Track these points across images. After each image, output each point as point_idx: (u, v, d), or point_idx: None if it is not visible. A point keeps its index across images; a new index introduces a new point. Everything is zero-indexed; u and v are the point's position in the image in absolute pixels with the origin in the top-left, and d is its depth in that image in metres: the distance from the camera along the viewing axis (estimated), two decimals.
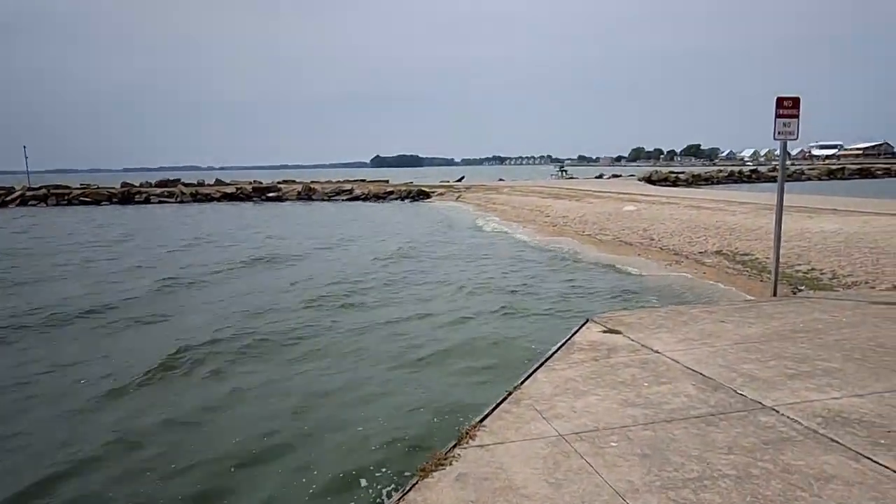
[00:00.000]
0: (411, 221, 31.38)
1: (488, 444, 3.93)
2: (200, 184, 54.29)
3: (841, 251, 12.06)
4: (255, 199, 47.57)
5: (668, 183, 62.31)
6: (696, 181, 65.51)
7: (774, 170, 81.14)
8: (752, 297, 8.62)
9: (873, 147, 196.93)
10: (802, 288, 10.16)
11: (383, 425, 5.98)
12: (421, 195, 44.98)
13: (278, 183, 54.35)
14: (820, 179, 69.53)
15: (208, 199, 47.15)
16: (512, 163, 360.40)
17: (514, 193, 37.73)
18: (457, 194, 42.20)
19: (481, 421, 4.31)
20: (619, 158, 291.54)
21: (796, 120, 7.31)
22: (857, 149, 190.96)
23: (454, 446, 3.97)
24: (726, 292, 10.67)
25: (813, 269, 11.21)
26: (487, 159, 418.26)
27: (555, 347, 6.03)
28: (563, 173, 69.96)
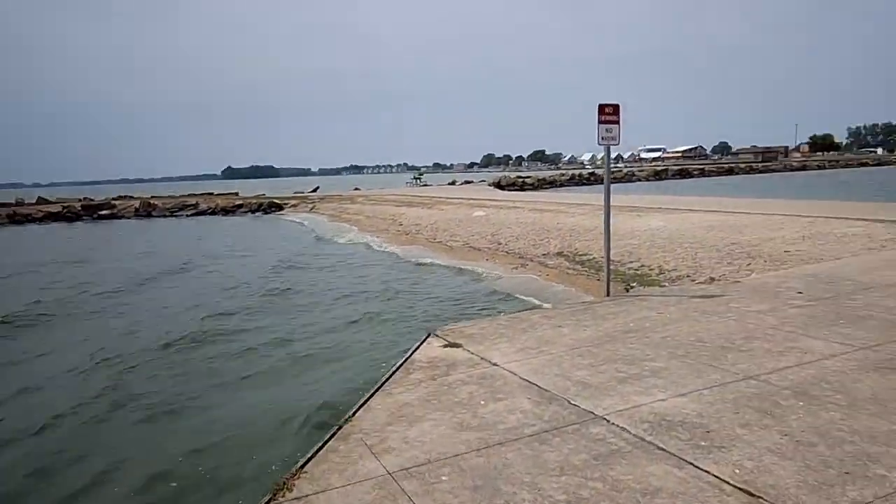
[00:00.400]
0: (258, 235, 29.84)
1: (307, 495, 3.46)
2: (19, 203, 47.89)
3: (666, 247, 12.96)
4: (85, 217, 42.95)
5: (516, 187, 65.08)
6: (541, 185, 69.11)
7: (610, 172, 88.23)
8: (588, 299, 8.89)
9: (690, 150, 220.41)
10: (634, 285, 10.72)
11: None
12: (273, 207, 43.15)
13: (113, 199, 49.58)
14: (648, 180, 76.29)
15: (28, 219, 41.78)
16: (370, 171, 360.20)
17: (369, 203, 37.31)
18: (311, 205, 40.95)
19: (303, 466, 3.83)
20: (471, 165, 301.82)
21: (617, 126, 7.60)
22: (678, 152, 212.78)
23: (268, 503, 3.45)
24: (567, 294, 10.99)
25: (643, 265, 11.91)
26: (345, 168, 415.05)
27: (393, 368, 5.69)
28: (418, 181, 70.72)
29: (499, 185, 63.09)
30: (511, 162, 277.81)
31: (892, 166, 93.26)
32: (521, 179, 72.43)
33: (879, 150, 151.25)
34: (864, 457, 3.36)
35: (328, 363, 8.46)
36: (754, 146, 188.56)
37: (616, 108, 7.53)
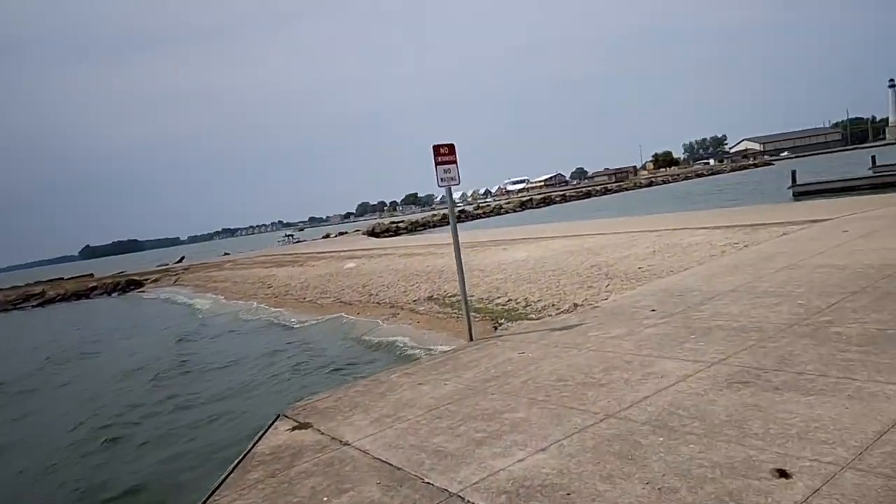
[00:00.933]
0: (118, 317, 27.15)
1: None
2: None
3: (531, 278, 12.99)
4: None
5: (390, 233, 64.97)
6: (415, 228, 69.58)
7: (479, 208, 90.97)
8: (453, 346, 8.52)
9: (551, 178, 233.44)
10: (503, 322, 10.53)
11: None
12: (132, 285, 39.80)
13: None
14: (515, 211, 79.32)
15: None
16: (243, 233, 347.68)
17: (238, 268, 35.39)
18: (174, 278, 38.20)
19: None
20: (348, 215, 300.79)
21: (455, 165, 7.38)
22: (540, 181, 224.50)
23: None
24: (436, 339, 10.58)
25: (510, 299, 11.80)
26: (217, 233, 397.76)
27: (231, 467, 4.89)
28: (291, 238, 68.85)
29: (373, 233, 62.73)
30: (386, 208, 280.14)
31: (723, 174, 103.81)
32: (394, 225, 72.55)
33: (711, 161, 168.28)
34: (725, 496, 3.09)
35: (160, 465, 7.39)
36: (607, 168, 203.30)
37: (451, 147, 7.31)
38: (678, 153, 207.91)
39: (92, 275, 49.76)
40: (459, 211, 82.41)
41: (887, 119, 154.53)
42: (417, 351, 10.23)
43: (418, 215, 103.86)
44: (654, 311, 7.24)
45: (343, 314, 15.20)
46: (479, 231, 32.46)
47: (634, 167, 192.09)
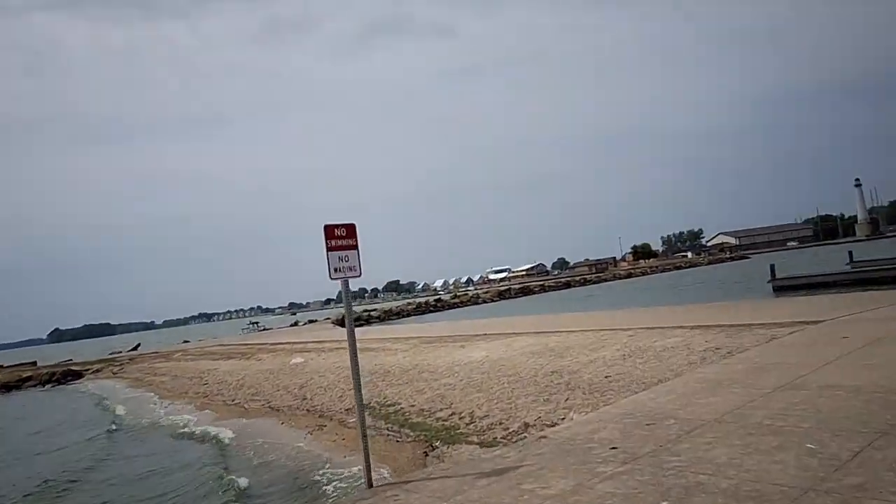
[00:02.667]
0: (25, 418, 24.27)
1: None
2: None
3: (483, 385, 11.09)
4: None
5: (361, 322, 62.71)
6: (388, 316, 67.32)
7: (457, 297, 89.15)
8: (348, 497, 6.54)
9: (533, 268, 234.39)
10: (437, 444, 8.54)
11: None
12: (70, 376, 36.74)
13: None
14: (493, 301, 77.61)
15: None
16: (220, 318, 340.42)
17: (186, 359, 32.81)
18: (118, 368, 35.39)
19: None
20: (328, 301, 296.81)
21: (356, 252, 5.70)
22: (522, 270, 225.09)
23: None
24: (352, 466, 8.53)
25: (453, 413, 9.85)
26: (194, 317, 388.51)
27: None
28: (255, 326, 66.28)
29: (341, 323, 60.36)
30: (367, 295, 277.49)
31: (700, 266, 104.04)
32: (367, 313, 70.09)
33: (689, 254, 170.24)
34: None
35: None
36: (587, 259, 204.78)
37: (351, 229, 5.67)
38: (656, 245, 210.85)
39: (35, 363, 46.43)
40: (435, 300, 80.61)
41: (856, 216, 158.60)
42: (326, 487, 8.17)
43: (395, 303, 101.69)
44: (615, 448, 5.38)
45: (266, 420, 13.06)
46: (446, 323, 30.55)
47: (614, 258, 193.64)
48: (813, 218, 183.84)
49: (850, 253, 37.41)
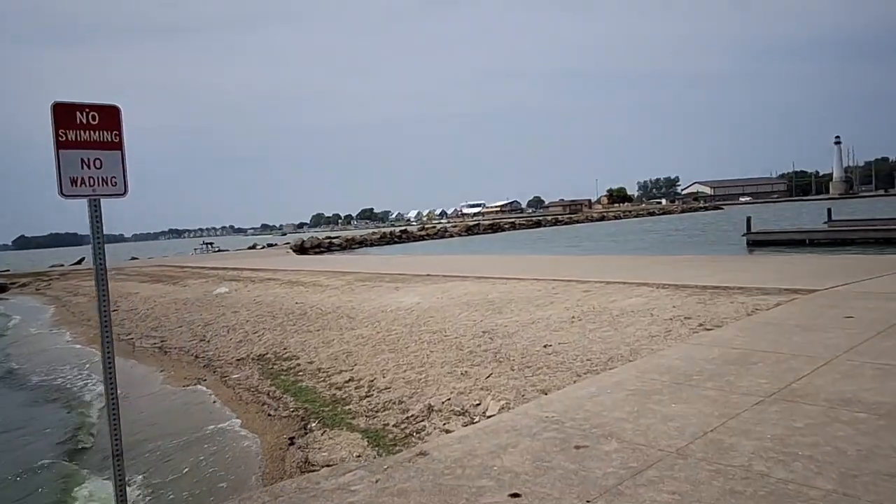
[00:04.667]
0: None
1: None
2: None
3: (399, 342, 9.07)
4: None
5: (321, 249, 60.36)
6: (349, 245, 65.08)
7: (424, 229, 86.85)
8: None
9: (507, 204, 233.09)
10: (313, 427, 6.53)
11: None
12: None
13: None
14: (461, 235, 75.69)
15: None
16: (190, 235, 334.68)
17: (119, 277, 30.39)
18: (44, 284, 32.88)
19: None
20: (301, 225, 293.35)
21: (119, 153, 3.41)
22: (496, 206, 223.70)
23: None
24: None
25: (352, 378, 7.84)
26: (164, 233, 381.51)
27: None
28: (209, 247, 63.67)
29: (301, 249, 57.78)
30: (340, 221, 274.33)
31: (674, 214, 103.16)
32: (328, 240, 67.47)
33: (663, 201, 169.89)
34: None
35: None
36: (562, 199, 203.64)
37: (110, 114, 3.34)
38: (632, 190, 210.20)
39: None
40: (401, 231, 78.32)
41: (831, 174, 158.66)
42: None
43: (360, 232, 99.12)
44: (516, 497, 3.37)
45: (145, 367, 10.97)
46: (396, 258, 28.40)
47: (589, 200, 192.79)
48: (788, 173, 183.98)
49: (829, 210, 35.95)
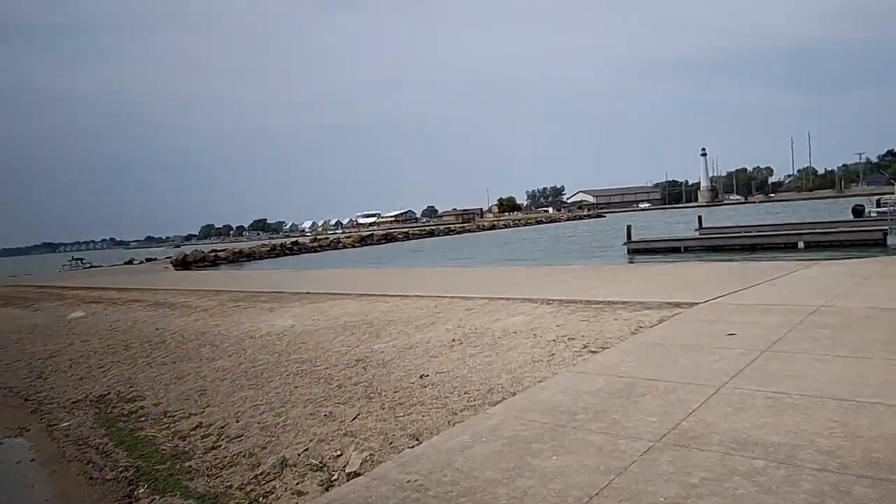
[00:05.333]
0: None
1: None
2: None
3: (262, 374, 8.02)
4: None
5: (205, 263, 56.97)
6: (237, 258, 61.86)
7: (316, 240, 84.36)
8: None
9: (402, 214, 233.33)
10: (141, 492, 5.41)
11: None
12: None
13: None
14: (354, 247, 74.20)
15: None
16: (68, 249, 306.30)
17: None
18: None
19: None
20: (189, 237, 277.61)
21: None
22: (391, 216, 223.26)
23: None
24: None
25: (200, 424, 6.73)
26: (36, 247, 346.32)
27: None
28: (79, 263, 58.36)
29: (183, 263, 54.07)
30: (232, 232, 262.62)
31: (559, 222, 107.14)
32: (213, 254, 63.71)
33: (550, 210, 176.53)
34: None
35: None
36: (455, 209, 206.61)
37: None
38: (521, 199, 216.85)
39: None
40: (292, 243, 75.53)
41: (699, 184, 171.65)
42: None
43: (249, 244, 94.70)
44: None
45: None
46: (280, 273, 26.79)
47: (481, 209, 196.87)
48: (661, 183, 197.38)
49: (700, 218, 38.25)
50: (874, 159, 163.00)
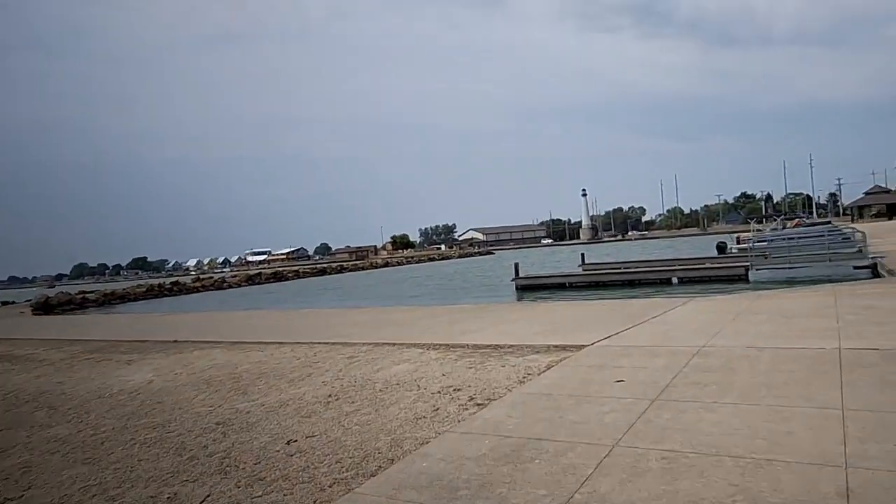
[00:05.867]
0: None
1: None
2: None
3: (100, 448, 6.83)
4: None
5: (72, 306, 51.77)
6: (108, 300, 56.89)
7: (199, 280, 79.39)
8: None
9: (294, 251, 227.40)
10: None
11: None
12: None
13: None
14: (241, 286, 70.65)
15: None
16: None
17: None
18: None
19: None
20: (60, 276, 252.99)
21: None
22: (283, 254, 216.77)
23: None
24: None
25: None
26: None
27: None
28: None
29: (45, 307, 48.66)
30: (108, 272, 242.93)
31: (451, 259, 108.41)
32: (81, 296, 58.01)
33: (443, 247, 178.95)
34: None
35: None
36: (349, 246, 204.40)
37: None
38: (415, 237, 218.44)
39: None
40: (172, 283, 70.60)
41: (580, 222, 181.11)
42: None
43: (123, 284, 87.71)
44: None
45: None
46: (150, 317, 24.48)
47: (375, 247, 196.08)
48: (546, 221, 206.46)
49: (583, 255, 39.74)
50: (731, 200, 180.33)
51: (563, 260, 60.01)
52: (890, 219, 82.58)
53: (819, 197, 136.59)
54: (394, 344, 10.28)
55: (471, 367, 7.95)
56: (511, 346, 9.14)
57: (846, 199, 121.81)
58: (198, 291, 67.11)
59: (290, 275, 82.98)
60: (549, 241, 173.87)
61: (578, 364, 7.44)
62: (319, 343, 11.20)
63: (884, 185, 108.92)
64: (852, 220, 75.21)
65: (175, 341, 13.70)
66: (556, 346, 8.67)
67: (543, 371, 7.28)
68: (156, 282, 76.82)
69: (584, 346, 8.47)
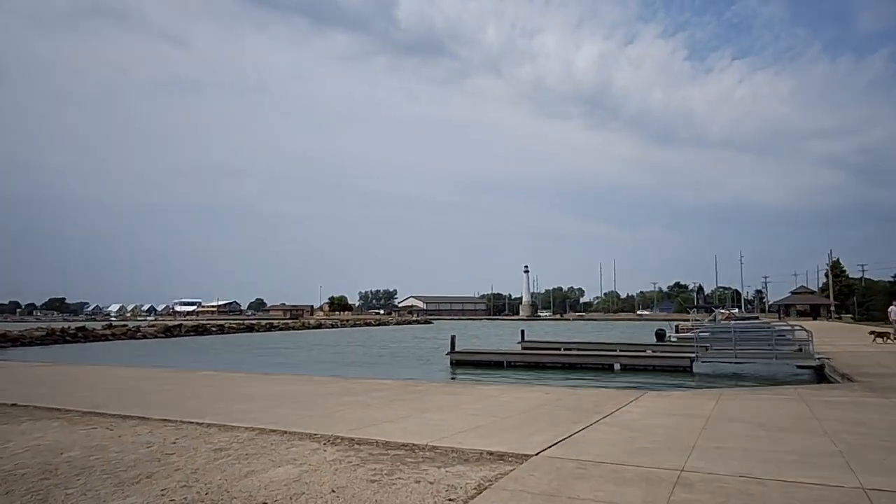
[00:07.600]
0: None
1: None
2: None
3: None
4: None
5: None
6: (11, 342, 51.28)
7: (111, 327, 73.50)
8: None
9: (226, 305, 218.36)
10: None
11: None
12: None
13: None
14: (157, 337, 65.66)
15: None
16: None
17: None
18: None
19: None
20: None
21: None
22: (214, 306, 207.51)
23: None
24: None
25: None
26: None
27: None
28: None
29: None
30: (20, 310, 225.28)
31: (389, 325, 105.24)
32: None
33: (381, 312, 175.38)
34: None
35: None
36: (284, 304, 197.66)
37: None
38: (354, 299, 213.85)
39: None
40: (77, 328, 64.80)
41: (521, 298, 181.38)
42: None
43: (24, 325, 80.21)
44: None
45: None
46: (32, 369, 20.81)
47: (311, 306, 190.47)
48: (488, 294, 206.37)
49: (523, 332, 38.08)
50: (665, 289, 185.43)
51: (503, 335, 58.30)
52: (814, 318, 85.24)
53: (747, 292, 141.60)
54: (283, 433, 7.96)
55: (374, 481, 5.76)
56: (433, 447, 7.01)
57: (771, 297, 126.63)
58: (107, 339, 61.72)
59: (213, 329, 78.00)
60: (507, 312, 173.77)
61: (520, 489, 5.38)
62: (189, 423, 8.74)
63: (806, 287, 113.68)
64: (779, 318, 77.25)
65: (13, 405, 10.86)
66: (490, 454, 6.60)
67: (471, 497, 5.17)
68: (59, 325, 70.58)
69: (527, 457, 6.43)
